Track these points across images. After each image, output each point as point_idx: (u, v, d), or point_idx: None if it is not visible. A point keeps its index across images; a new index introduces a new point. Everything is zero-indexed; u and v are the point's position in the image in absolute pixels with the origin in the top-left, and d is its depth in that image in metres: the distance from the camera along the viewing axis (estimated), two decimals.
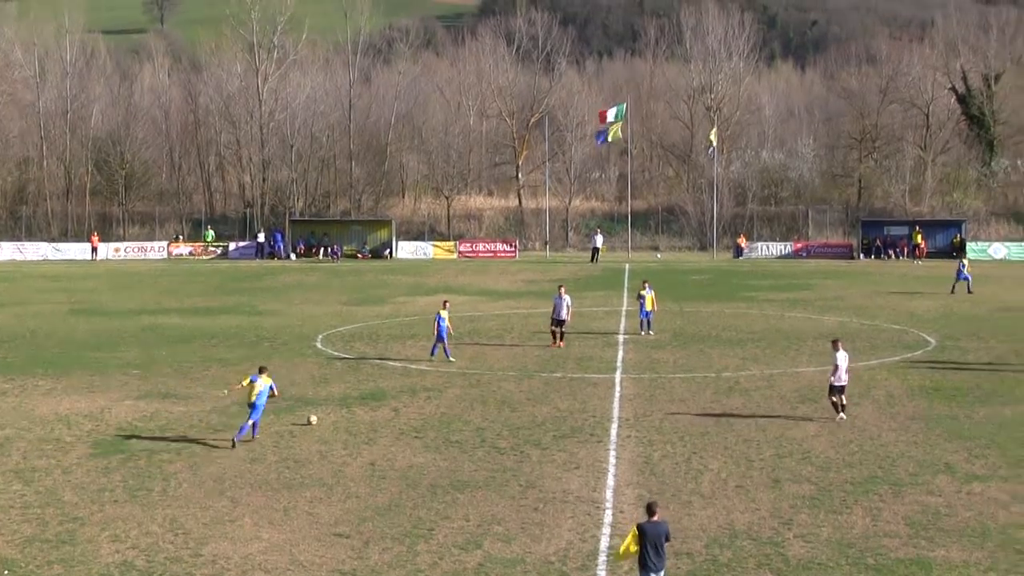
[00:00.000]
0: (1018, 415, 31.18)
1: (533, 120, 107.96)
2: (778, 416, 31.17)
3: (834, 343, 31.50)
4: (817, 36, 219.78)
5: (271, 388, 28.91)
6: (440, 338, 40.54)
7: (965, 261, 65.12)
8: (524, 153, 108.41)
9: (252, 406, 28.46)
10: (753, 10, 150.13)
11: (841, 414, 30.60)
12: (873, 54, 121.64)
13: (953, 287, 62.38)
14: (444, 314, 40.71)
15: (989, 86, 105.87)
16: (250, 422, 28.50)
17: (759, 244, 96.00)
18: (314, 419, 30.33)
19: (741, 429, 29.57)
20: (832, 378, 30.63)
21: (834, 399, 30.82)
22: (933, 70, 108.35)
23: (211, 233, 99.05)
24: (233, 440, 28.18)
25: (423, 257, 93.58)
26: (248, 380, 28.81)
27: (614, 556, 17.20)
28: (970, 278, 62.31)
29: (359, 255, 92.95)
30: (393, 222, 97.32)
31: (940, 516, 22.21)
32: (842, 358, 30.62)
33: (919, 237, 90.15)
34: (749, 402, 33.28)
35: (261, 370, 29.13)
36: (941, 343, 44.37)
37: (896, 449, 27.45)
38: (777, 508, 22.80)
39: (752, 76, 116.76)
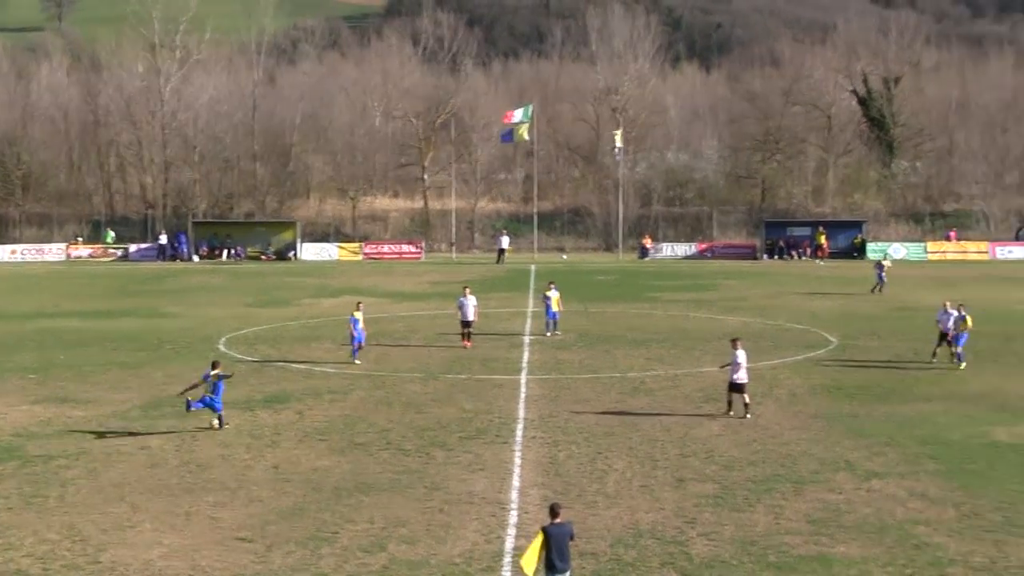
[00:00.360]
0: (916, 413, 31.64)
1: (439, 121, 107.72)
2: (683, 415, 31.33)
3: (733, 341, 31.87)
4: (721, 39, 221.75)
5: (218, 374, 29.62)
6: (354, 340, 40.28)
7: (887, 263, 65.77)
8: (430, 154, 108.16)
9: (209, 401, 29.24)
10: (658, 12, 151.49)
11: (732, 413, 31.03)
12: (776, 57, 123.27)
13: (877, 287, 63.16)
14: (358, 316, 40.49)
15: (889, 89, 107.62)
16: (216, 412, 29.74)
17: (664, 245, 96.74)
18: (216, 422, 29.93)
19: (646, 429, 29.67)
20: (734, 376, 30.94)
21: (732, 396, 31.15)
22: (835, 73, 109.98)
23: (111, 234, 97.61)
24: (218, 421, 29.80)
25: (328, 259, 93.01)
26: (201, 378, 29.84)
27: (523, 567, 17.07)
28: (884, 280, 63.11)
29: (263, 257, 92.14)
30: (298, 224, 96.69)
31: (840, 513, 22.44)
32: (741, 356, 30.95)
33: (822, 238, 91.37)
34: (654, 402, 33.42)
35: (214, 364, 30.00)
36: (842, 342, 44.92)
37: (798, 447, 27.71)
38: (681, 507, 22.89)
39: (657, 78, 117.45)
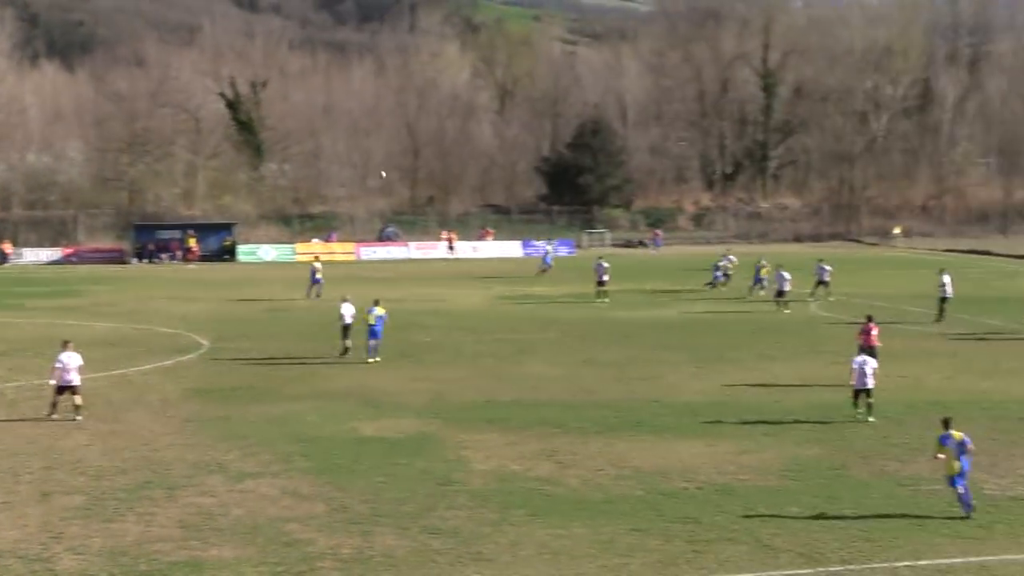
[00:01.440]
0: (288, 412, 32.12)
1: None
2: (49, 426, 30.01)
3: (63, 344, 31.54)
4: (84, 37, 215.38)
5: None
6: None
7: (317, 263, 64.99)
8: None
9: None
10: (13, 7, 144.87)
11: (53, 414, 30.83)
12: (142, 57, 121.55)
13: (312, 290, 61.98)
14: None
15: (256, 93, 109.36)
16: None
17: (26, 250, 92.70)
18: None
19: (8, 442, 28.15)
20: (64, 378, 30.82)
21: (58, 399, 30.97)
22: (202, 75, 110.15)
23: None
24: None
25: None
26: None
27: None
28: (321, 282, 61.80)
29: None
30: None
31: (213, 516, 22.31)
32: (67, 358, 30.84)
33: (192, 240, 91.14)
34: (17, 413, 31.77)
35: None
36: (214, 345, 44.85)
37: (171, 453, 27.31)
38: (47, 522, 21.86)
39: (15, 76, 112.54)
